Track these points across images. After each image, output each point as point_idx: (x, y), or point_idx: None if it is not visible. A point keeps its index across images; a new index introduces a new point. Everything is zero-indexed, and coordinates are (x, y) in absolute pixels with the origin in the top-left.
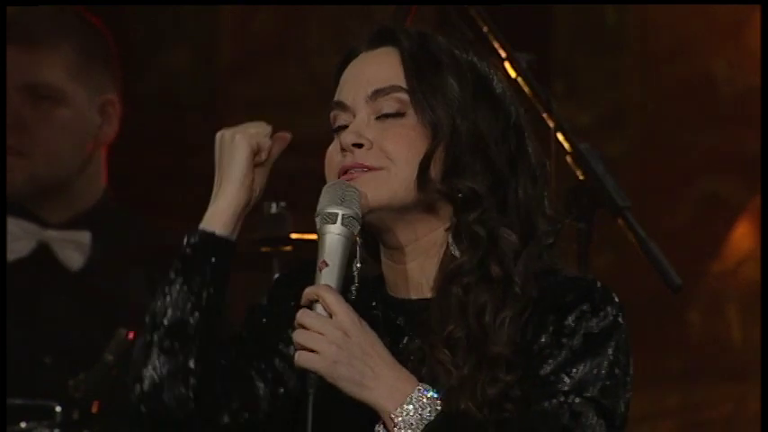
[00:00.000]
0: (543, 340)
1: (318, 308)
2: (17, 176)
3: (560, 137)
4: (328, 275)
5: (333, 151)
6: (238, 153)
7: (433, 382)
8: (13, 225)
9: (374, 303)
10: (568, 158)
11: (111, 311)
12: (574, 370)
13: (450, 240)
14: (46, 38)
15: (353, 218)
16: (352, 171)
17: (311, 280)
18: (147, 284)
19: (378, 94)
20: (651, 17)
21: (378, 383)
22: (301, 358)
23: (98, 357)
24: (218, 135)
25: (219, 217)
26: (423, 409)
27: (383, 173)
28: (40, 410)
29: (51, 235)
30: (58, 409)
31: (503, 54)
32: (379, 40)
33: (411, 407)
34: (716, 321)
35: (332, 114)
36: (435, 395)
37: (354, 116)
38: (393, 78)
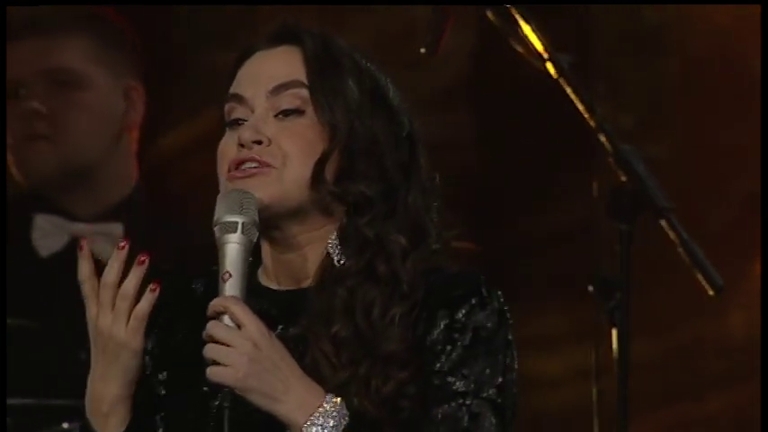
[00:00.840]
0: (435, 335)
1: (225, 319)
2: (46, 162)
3: (602, 138)
4: (232, 286)
5: (226, 145)
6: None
7: (316, 374)
8: (44, 221)
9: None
10: (610, 160)
11: None
12: (469, 370)
13: (334, 239)
14: (60, 26)
15: (253, 225)
16: (245, 167)
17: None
18: None
19: (279, 89)
20: (691, 17)
21: (288, 396)
22: (213, 373)
23: None
24: (98, 325)
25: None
26: (332, 419)
27: (275, 172)
28: (81, 410)
29: (83, 228)
30: None
31: (544, 55)
32: (282, 38)
33: (321, 419)
34: (758, 322)
35: (227, 107)
36: (341, 403)
37: (252, 111)
38: (294, 74)
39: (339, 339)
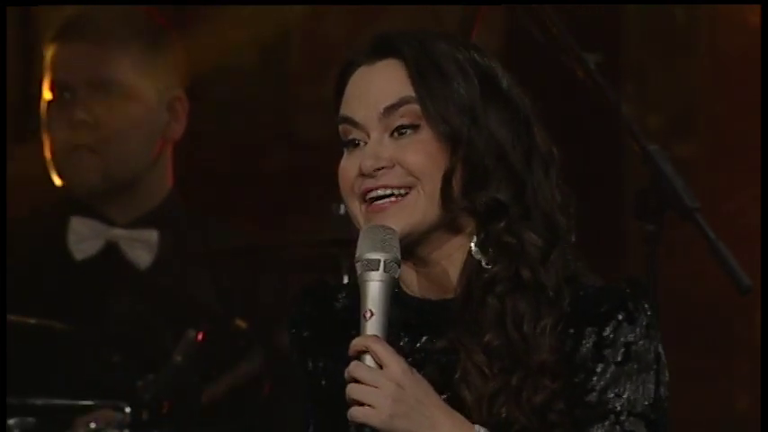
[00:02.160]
0: (584, 352)
1: (367, 359)
2: (90, 173)
3: (629, 138)
4: (374, 325)
5: (348, 169)
6: None
7: (466, 386)
8: (81, 224)
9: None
10: (637, 160)
11: (178, 310)
12: (622, 388)
13: (474, 248)
14: (114, 35)
15: (395, 262)
16: (379, 202)
17: (327, 305)
18: (215, 286)
19: (390, 110)
20: (721, 17)
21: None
22: (357, 413)
23: (167, 357)
24: None
25: None
26: None
27: (411, 195)
28: (110, 411)
29: (119, 234)
30: (128, 410)
31: (572, 55)
32: (380, 51)
33: None
34: None
35: (341, 128)
36: None
37: (368, 134)
38: (402, 91)
39: (491, 349)
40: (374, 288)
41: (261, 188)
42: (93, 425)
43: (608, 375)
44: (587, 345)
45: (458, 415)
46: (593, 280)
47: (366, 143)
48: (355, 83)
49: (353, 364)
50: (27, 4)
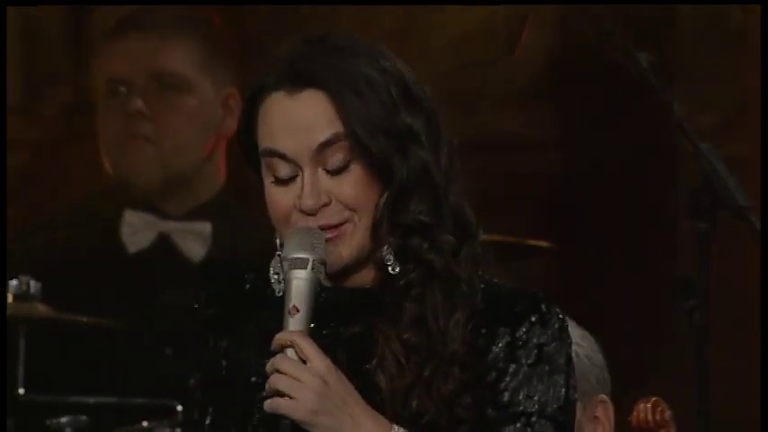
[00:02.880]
0: (496, 351)
1: (289, 353)
2: (147, 164)
3: (682, 137)
4: (299, 321)
5: (282, 203)
6: None
7: (382, 374)
8: (134, 217)
9: None
10: (690, 159)
11: None
12: (533, 389)
13: (389, 257)
14: (171, 29)
15: (321, 263)
16: None
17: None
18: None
19: (323, 147)
20: None
21: (358, 431)
22: (279, 404)
23: None
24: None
25: None
26: None
27: (347, 227)
28: (162, 409)
29: (172, 226)
30: (179, 408)
31: (624, 53)
32: (300, 81)
33: None
34: None
35: (267, 161)
36: None
37: (300, 168)
38: (332, 126)
39: (410, 344)
40: (300, 286)
41: None
42: (145, 423)
43: (520, 376)
44: (500, 344)
45: (378, 415)
46: (505, 281)
47: (296, 176)
48: (278, 114)
49: (279, 356)
50: (27, 4)
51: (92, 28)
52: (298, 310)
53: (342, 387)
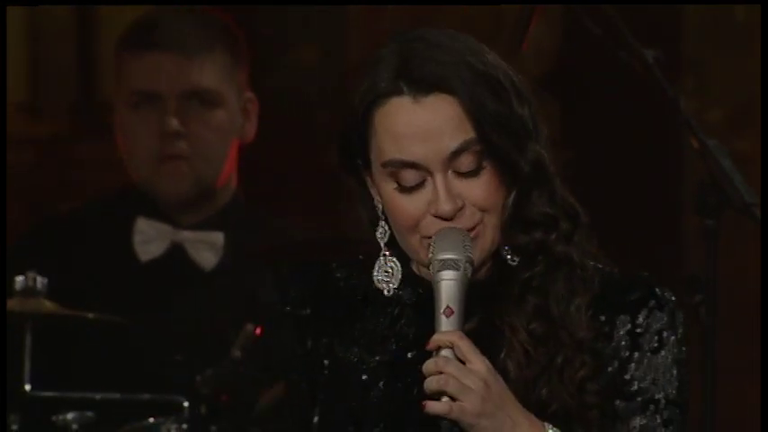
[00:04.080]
0: (618, 340)
1: (445, 353)
2: (183, 182)
3: (688, 133)
4: (453, 322)
5: (411, 209)
6: None
7: (512, 364)
8: (147, 226)
9: (407, 290)
10: (696, 155)
11: (239, 308)
12: (658, 376)
13: (509, 251)
14: (201, 44)
15: (470, 263)
16: None
17: (327, 288)
18: (273, 281)
19: (456, 155)
20: None
21: None
22: (443, 408)
23: (226, 353)
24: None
25: None
26: None
27: (481, 228)
28: (168, 405)
29: (185, 236)
30: (186, 404)
31: (630, 50)
32: (430, 85)
33: None
34: None
35: (393, 170)
36: None
37: (430, 174)
38: (464, 133)
39: (536, 333)
40: (453, 286)
41: (318, 183)
42: (151, 419)
43: (644, 364)
44: (621, 332)
45: (531, 414)
46: (612, 266)
47: (424, 181)
48: (404, 121)
49: (442, 357)
50: (27, 4)
51: (99, 24)
52: (453, 312)
53: (500, 388)
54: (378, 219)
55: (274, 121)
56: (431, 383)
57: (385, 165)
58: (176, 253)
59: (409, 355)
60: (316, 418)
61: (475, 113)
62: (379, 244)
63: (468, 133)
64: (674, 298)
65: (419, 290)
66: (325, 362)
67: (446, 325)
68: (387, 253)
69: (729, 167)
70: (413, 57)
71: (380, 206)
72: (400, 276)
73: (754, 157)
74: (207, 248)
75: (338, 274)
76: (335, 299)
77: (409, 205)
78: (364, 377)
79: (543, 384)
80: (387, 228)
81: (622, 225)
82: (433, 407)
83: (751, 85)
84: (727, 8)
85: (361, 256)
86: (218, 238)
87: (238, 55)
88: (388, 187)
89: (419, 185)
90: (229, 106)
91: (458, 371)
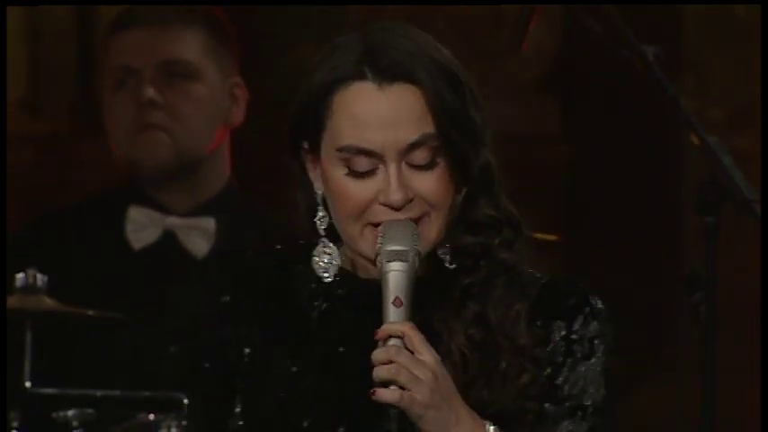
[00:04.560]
0: (553, 345)
1: (393, 342)
2: (162, 152)
3: (689, 131)
4: (403, 313)
5: (359, 196)
6: None
7: (449, 367)
8: (139, 213)
9: (338, 283)
10: (697, 152)
11: None
12: (588, 383)
13: (447, 253)
14: (179, 17)
15: (418, 255)
16: None
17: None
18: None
19: (413, 147)
20: None
21: (459, 427)
22: (394, 396)
23: None
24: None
25: None
26: None
27: (426, 221)
28: (168, 402)
29: (176, 223)
30: (186, 401)
31: (630, 48)
32: (395, 74)
33: None
34: None
35: (346, 156)
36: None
37: (384, 163)
38: (424, 126)
39: (474, 339)
40: (402, 277)
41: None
42: (151, 416)
43: (575, 370)
44: (556, 338)
45: (473, 412)
46: (543, 270)
47: (376, 169)
48: (366, 107)
49: (393, 347)
50: (27, 4)
51: (99, 23)
52: (402, 303)
53: (447, 382)
54: (317, 205)
55: (274, 121)
56: (381, 372)
57: (341, 149)
58: (168, 240)
59: (341, 349)
60: (238, 408)
61: (437, 107)
62: (315, 231)
63: (428, 127)
64: (604, 307)
65: (349, 284)
66: (246, 350)
67: (395, 315)
68: (325, 240)
69: (730, 165)
70: (378, 44)
71: (320, 193)
72: (338, 265)
73: (753, 155)
74: (198, 235)
75: (257, 264)
76: (256, 287)
77: (358, 192)
78: (294, 369)
79: (482, 387)
80: (326, 214)
81: (622, 223)
82: (383, 394)
83: (751, 83)
84: (728, 6)
85: (278, 246)
86: (210, 224)
87: (221, 37)
88: (338, 172)
89: (371, 172)
90: (210, 83)
91: (409, 361)
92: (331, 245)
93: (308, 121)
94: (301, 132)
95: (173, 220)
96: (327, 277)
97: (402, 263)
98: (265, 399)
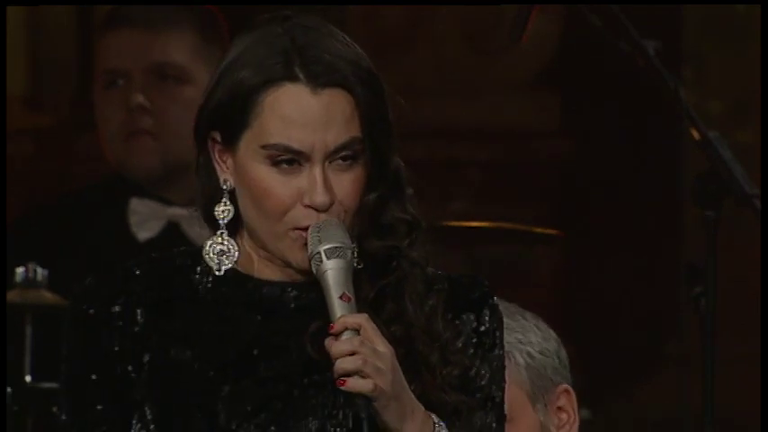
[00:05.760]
0: (464, 338)
1: (348, 336)
2: (150, 158)
3: (689, 124)
4: (351, 307)
5: (283, 195)
6: None
7: None
8: (141, 205)
9: (240, 285)
10: (697, 146)
11: None
12: (494, 374)
13: (356, 258)
14: (167, 19)
15: (353, 252)
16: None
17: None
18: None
19: (339, 150)
20: None
21: (415, 416)
22: (361, 384)
23: None
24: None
25: None
26: None
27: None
28: None
29: (179, 213)
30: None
31: (631, 41)
32: (325, 78)
33: None
34: None
35: (271, 153)
36: (442, 423)
37: (307, 160)
38: (351, 130)
39: (396, 336)
40: (344, 274)
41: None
42: None
43: (485, 362)
44: (467, 330)
45: (420, 404)
46: (452, 272)
47: (301, 168)
48: (296, 109)
49: (355, 338)
50: (27, 3)
51: (97, 18)
52: (350, 298)
53: (401, 374)
54: (220, 196)
55: None
56: (346, 363)
57: (267, 147)
58: (173, 231)
59: (255, 351)
60: (149, 415)
61: (365, 113)
62: (211, 220)
63: (355, 131)
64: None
65: (245, 290)
66: (146, 357)
67: (345, 310)
68: (224, 232)
69: (730, 159)
70: (308, 45)
71: (229, 185)
72: (235, 258)
73: (753, 148)
74: (202, 225)
75: (138, 272)
76: (144, 297)
77: (282, 190)
78: (211, 373)
79: (411, 381)
80: (231, 208)
81: (622, 216)
82: (356, 384)
83: (750, 78)
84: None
85: (154, 255)
86: None
87: (213, 37)
88: (261, 169)
89: (295, 171)
90: (199, 85)
91: (371, 352)
92: (228, 238)
93: (228, 116)
94: (215, 124)
95: (176, 211)
96: (218, 270)
97: (341, 260)
98: (183, 404)
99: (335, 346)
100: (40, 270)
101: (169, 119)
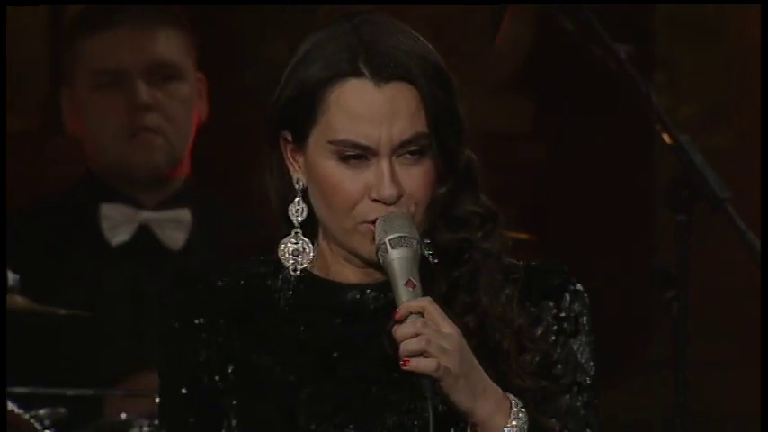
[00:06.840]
0: (545, 325)
1: (412, 319)
2: (157, 155)
3: (660, 128)
4: (417, 294)
5: (351, 189)
6: None
7: None
8: (112, 210)
9: (316, 291)
10: (668, 150)
11: None
12: (579, 359)
13: (428, 251)
14: (156, 17)
15: (420, 243)
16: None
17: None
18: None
19: (405, 145)
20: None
21: (487, 395)
22: (428, 365)
23: None
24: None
25: None
26: (522, 416)
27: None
28: (140, 401)
29: (150, 216)
30: (158, 400)
31: (603, 45)
32: (390, 72)
33: (515, 419)
34: None
35: (339, 149)
36: (521, 403)
37: (375, 156)
38: (417, 125)
39: (470, 327)
40: (409, 263)
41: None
42: (123, 415)
43: (568, 347)
44: (547, 317)
45: (495, 384)
46: (532, 259)
47: (368, 162)
48: (362, 103)
49: (419, 320)
50: (27, 3)
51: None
52: (415, 285)
53: (470, 354)
54: (293, 195)
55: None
56: (411, 345)
57: (334, 143)
58: (144, 235)
59: (335, 354)
60: (234, 422)
61: (430, 106)
62: (287, 221)
63: (421, 124)
64: (582, 288)
65: (325, 294)
66: (230, 367)
67: (411, 295)
68: (299, 231)
69: (701, 163)
70: (374, 41)
71: (302, 184)
72: (310, 258)
73: (725, 152)
74: (174, 227)
75: (220, 283)
76: (226, 307)
77: (350, 185)
78: (291, 377)
79: (486, 368)
80: (304, 207)
81: (595, 221)
82: (420, 363)
83: (722, 81)
84: (698, 5)
85: (233, 263)
86: (185, 215)
87: (188, 33)
88: (329, 164)
89: (363, 166)
90: (191, 81)
91: (435, 334)
92: (303, 238)
93: (297, 113)
94: (286, 123)
95: (147, 214)
96: (293, 269)
97: (407, 249)
98: (264, 409)
99: (399, 330)
100: (11, 275)
101: (172, 116)
